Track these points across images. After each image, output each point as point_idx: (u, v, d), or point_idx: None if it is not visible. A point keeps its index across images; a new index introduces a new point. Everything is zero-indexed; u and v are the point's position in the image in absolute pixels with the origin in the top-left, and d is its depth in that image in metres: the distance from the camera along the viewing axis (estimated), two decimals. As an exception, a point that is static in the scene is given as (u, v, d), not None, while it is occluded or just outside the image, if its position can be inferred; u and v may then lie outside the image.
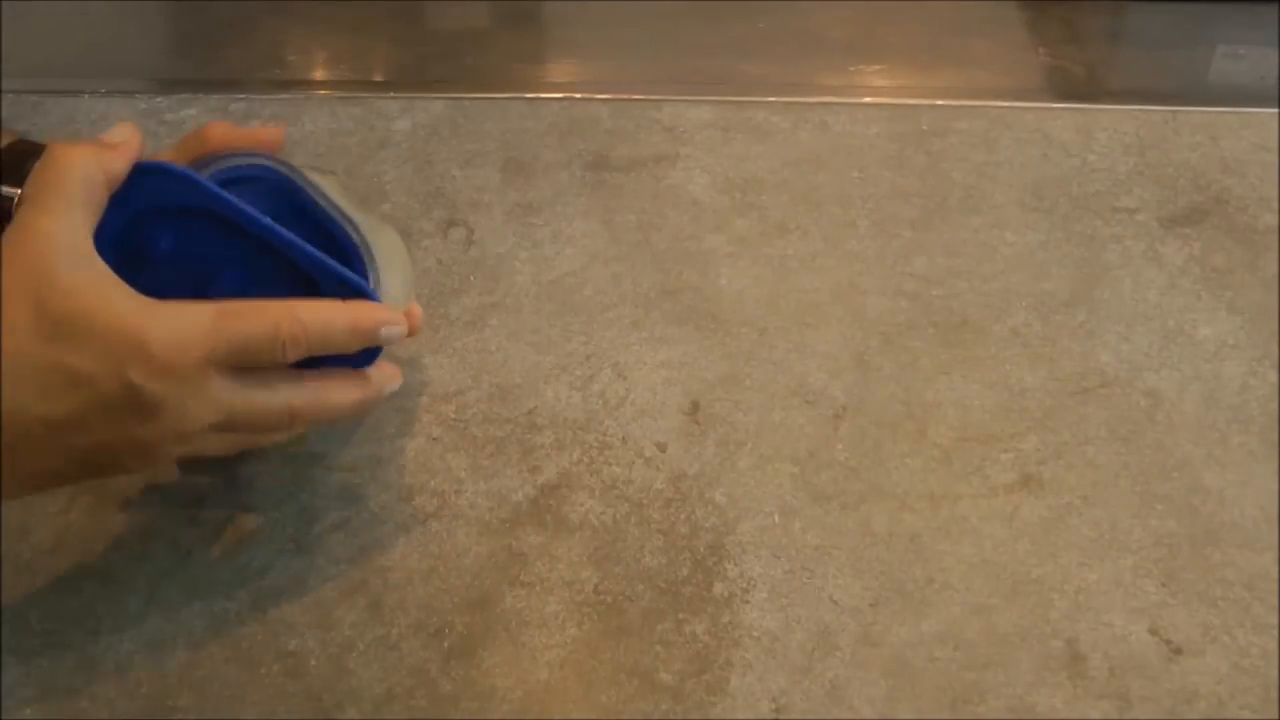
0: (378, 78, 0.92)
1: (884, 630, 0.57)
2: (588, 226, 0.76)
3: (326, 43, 0.95)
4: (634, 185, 0.79)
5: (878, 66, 0.92)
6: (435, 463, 0.64)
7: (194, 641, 0.56)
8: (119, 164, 0.54)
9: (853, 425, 0.65)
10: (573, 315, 0.71)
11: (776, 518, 0.61)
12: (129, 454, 0.52)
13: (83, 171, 0.52)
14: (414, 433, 0.65)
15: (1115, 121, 0.84)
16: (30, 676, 0.55)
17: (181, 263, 0.55)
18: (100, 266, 0.51)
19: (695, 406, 0.66)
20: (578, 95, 0.87)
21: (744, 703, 0.54)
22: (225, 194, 0.55)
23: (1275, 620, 0.57)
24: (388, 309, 0.57)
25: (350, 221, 0.59)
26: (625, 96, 0.86)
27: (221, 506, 0.61)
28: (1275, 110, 0.85)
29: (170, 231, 0.55)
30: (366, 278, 0.58)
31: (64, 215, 0.52)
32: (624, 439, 0.64)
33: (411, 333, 0.63)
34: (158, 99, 0.86)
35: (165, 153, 0.62)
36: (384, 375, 0.58)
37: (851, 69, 0.92)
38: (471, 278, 0.73)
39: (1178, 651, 0.56)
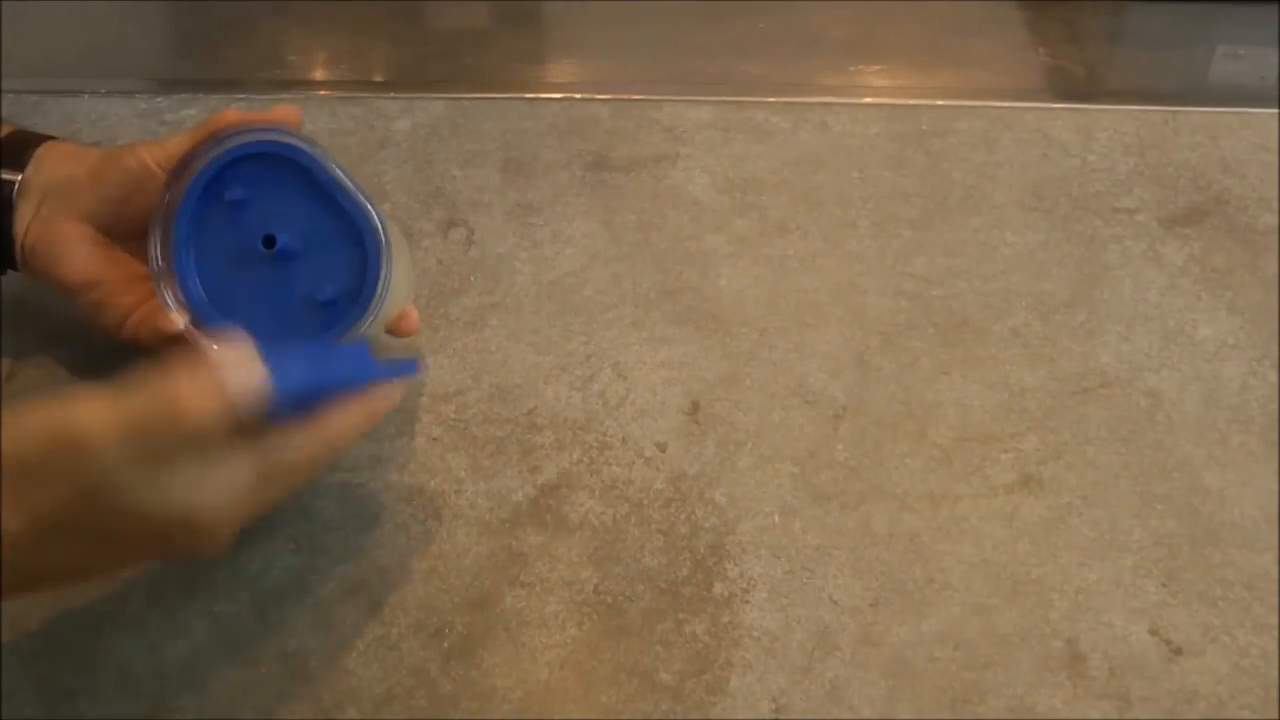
0: (378, 78, 0.92)
1: (884, 630, 0.57)
2: (588, 226, 0.76)
3: (326, 43, 0.95)
4: (634, 185, 0.79)
5: (878, 66, 0.92)
6: (435, 463, 0.64)
7: (194, 641, 0.56)
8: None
9: (853, 425, 0.65)
10: (573, 315, 0.71)
11: (776, 518, 0.61)
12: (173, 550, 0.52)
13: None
14: (414, 433, 0.65)
15: (1115, 121, 0.84)
16: (30, 676, 0.55)
17: (249, 210, 0.60)
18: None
19: (695, 406, 0.66)
20: (578, 95, 0.87)
21: (744, 703, 0.54)
22: (302, 145, 0.60)
23: (1275, 620, 0.57)
24: (392, 387, 0.56)
25: (368, 199, 0.60)
26: (625, 96, 0.86)
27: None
28: (1275, 110, 0.85)
29: (244, 180, 0.60)
30: (380, 256, 0.59)
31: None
32: (624, 439, 0.64)
33: (407, 334, 0.63)
34: (158, 99, 0.86)
35: (177, 138, 0.62)
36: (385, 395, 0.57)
37: (851, 69, 0.92)
38: (471, 278, 0.73)
39: (1178, 652, 0.56)
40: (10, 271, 0.65)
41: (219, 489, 0.50)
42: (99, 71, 0.90)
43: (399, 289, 0.62)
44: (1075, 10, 0.98)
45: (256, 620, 0.57)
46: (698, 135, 0.83)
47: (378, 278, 0.59)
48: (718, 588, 0.58)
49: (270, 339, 0.57)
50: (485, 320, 0.71)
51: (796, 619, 0.57)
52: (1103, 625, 0.57)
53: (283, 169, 0.60)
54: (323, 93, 0.88)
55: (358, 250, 0.60)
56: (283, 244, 0.60)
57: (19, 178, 0.63)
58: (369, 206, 0.60)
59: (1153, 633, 0.57)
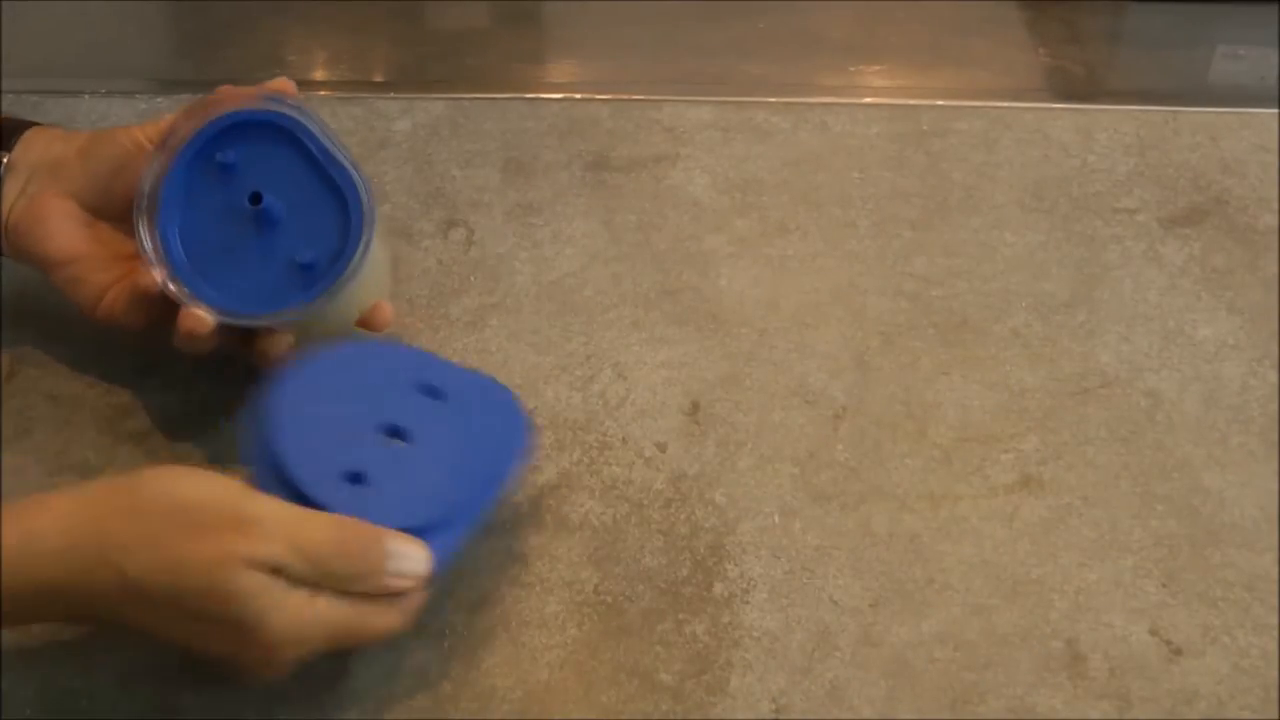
0: (378, 78, 0.92)
1: (884, 630, 0.57)
2: (588, 227, 0.76)
3: (326, 43, 0.95)
4: (634, 185, 0.79)
5: (878, 66, 0.92)
6: (435, 463, 0.63)
7: (194, 642, 0.56)
8: None
9: (853, 425, 0.65)
10: (573, 315, 0.71)
11: (776, 518, 0.61)
12: (230, 667, 0.52)
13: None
14: (414, 433, 0.65)
15: (1115, 122, 0.84)
16: (30, 676, 0.55)
17: (238, 173, 0.61)
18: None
19: (695, 407, 0.66)
20: (578, 95, 0.87)
21: (744, 703, 0.54)
22: (293, 114, 0.61)
23: (1275, 621, 0.57)
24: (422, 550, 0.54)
25: (356, 168, 0.61)
26: (625, 96, 0.86)
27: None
28: (1275, 110, 0.85)
29: (235, 145, 0.61)
30: (363, 220, 0.60)
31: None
32: (624, 439, 0.64)
33: (381, 328, 0.64)
34: (158, 99, 0.86)
35: (171, 117, 0.62)
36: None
37: (851, 69, 0.92)
38: (471, 278, 0.73)
39: (1178, 652, 0.56)
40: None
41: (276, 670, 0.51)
42: (99, 71, 0.90)
43: (377, 272, 0.63)
44: (1075, 10, 0.98)
45: (256, 620, 0.57)
46: (698, 135, 0.83)
47: (359, 240, 0.60)
48: (718, 588, 0.58)
49: (247, 298, 0.60)
50: (485, 320, 0.71)
51: (796, 619, 0.57)
52: (1103, 625, 0.57)
53: (274, 136, 0.61)
54: (323, 93, 0.88)
55: (341, 217, 0.61)
56: (267, 203, 0.61)
57: (6, 158, 0.63)
58: (355, 174, 0.61)
59: (1153, 633, 0.57)
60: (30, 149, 0.64)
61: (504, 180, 0.80)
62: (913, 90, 0.89)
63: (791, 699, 0.54)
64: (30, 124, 0.66)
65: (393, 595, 0.52)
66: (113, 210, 0.63)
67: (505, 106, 0.86)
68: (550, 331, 0.70)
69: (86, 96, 0.86)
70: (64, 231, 0.63)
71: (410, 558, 0.52)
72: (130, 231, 0.62)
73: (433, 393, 0.57)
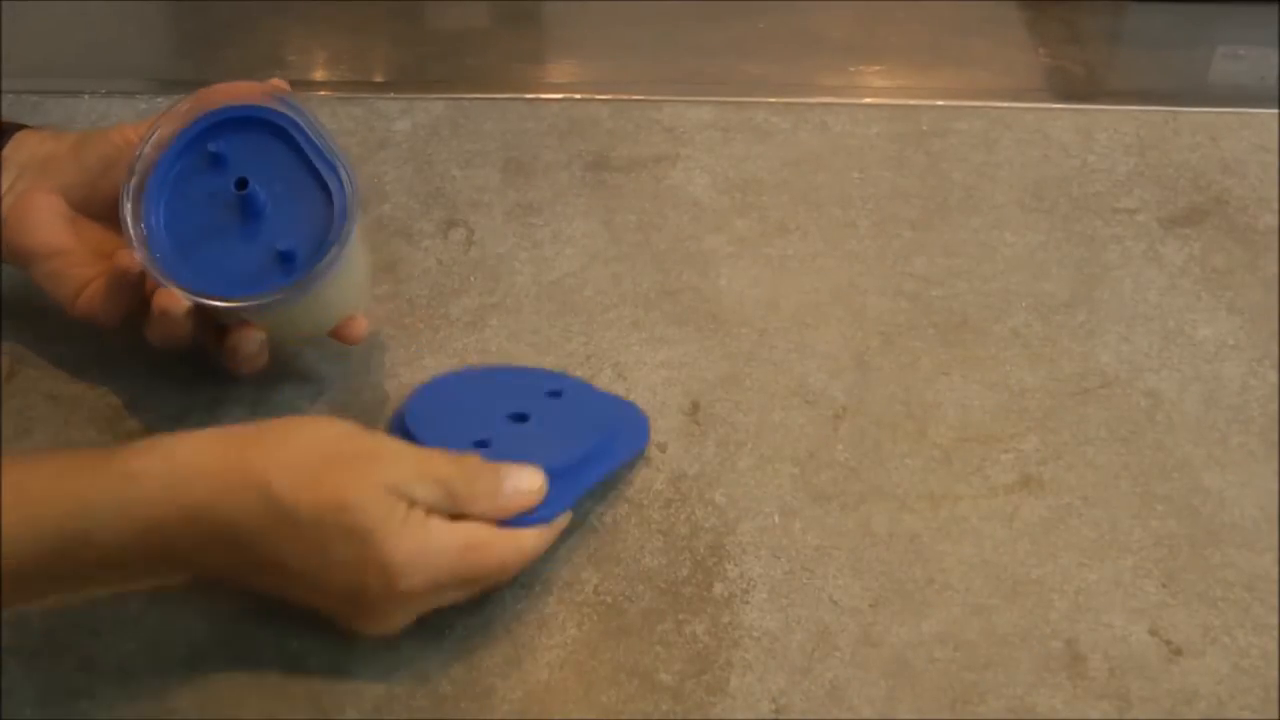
0: (378, 78, 0.92)
1: (884, 631, 0.57)
2: (588, 227, 0.76)
3: (326, 43, 0.95)
4: (634, 185, 0.79)
5: (878, 66, 0.92)
6: (435, 463, 0.63)
7: (194, 641, 0.56)
8: None
9: (853, 425, 0.65)
10: (573, 316, 0.71)
11: (776, 518, 0.61)
12: (343, 624, 0.55)
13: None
14: (414, 433, 0.65)
15: (1115, 122, 0.84)
16: (30, 676, 0.55)
17: (227, 163, 0.62)
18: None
19: (695, 407, 0.66)
20: (578, 95, 0.87)
21: (744, 703, 0.54)
22: (285, 111, 0.62)
23: (1275, 621, 0.57)
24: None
25: (345, 165, 0.62)
26: (625, 97, 0.86)
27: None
28: (1275, 110, 0.85)
29: (226, 138, 0.62)
30: (346, 211, 0.61)
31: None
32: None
33: (353, 341, 0.65)
34: (158, 99, 0.86)
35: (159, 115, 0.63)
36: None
37: (851, 69, 0.92)
38: (472, 278, 0.73)
39: (1178, 652, 0.56)
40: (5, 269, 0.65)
41: (393, 616, 0.54)
42: (99, 71, 0.90)
43: (355, 279, 0.64)
44: (1075, 10, 0.98)
45: (256, 620, 0.57)
46: (698, 135, 0.83)
47: (341, 231, 0.60)
48: (718, 588, 0.58)
49: (224, 283, 0.60)
50: (485, 320, 0.71)
51: (796, 619, 0.57)
52: (1103, 626, 0.57)
53: (267, 131, 0.62)
54: (323, 93, 0.88)
55: (326, 212, 0.61)
56: (252, 190, 0.61)
57: None
58: (343, 170, 0.62)
59: (1153, 633, 0.57)
60: (21, 148, 0.65)
61: (504, 180, 0.80)
62: (913, 90, 0.89)
63: (791, 699, 0.54)
64: (21, 126, 0.66)
65: (513, 528, 0.55)
66: (99, 208, 0.64)
67: (505, 106, 0.86)
68: (550, 331, 0.70)
69: (86, 96, 0.86)
70: (48, 225, 0.63)
71: (524, 476, 0.56)
72: (114, 229, 0.62)
73: (557, 395, 0.64)
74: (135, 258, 0.60)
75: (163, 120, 0.62)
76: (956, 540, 0.60)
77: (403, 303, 0.71)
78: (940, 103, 0.86)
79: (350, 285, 0.63)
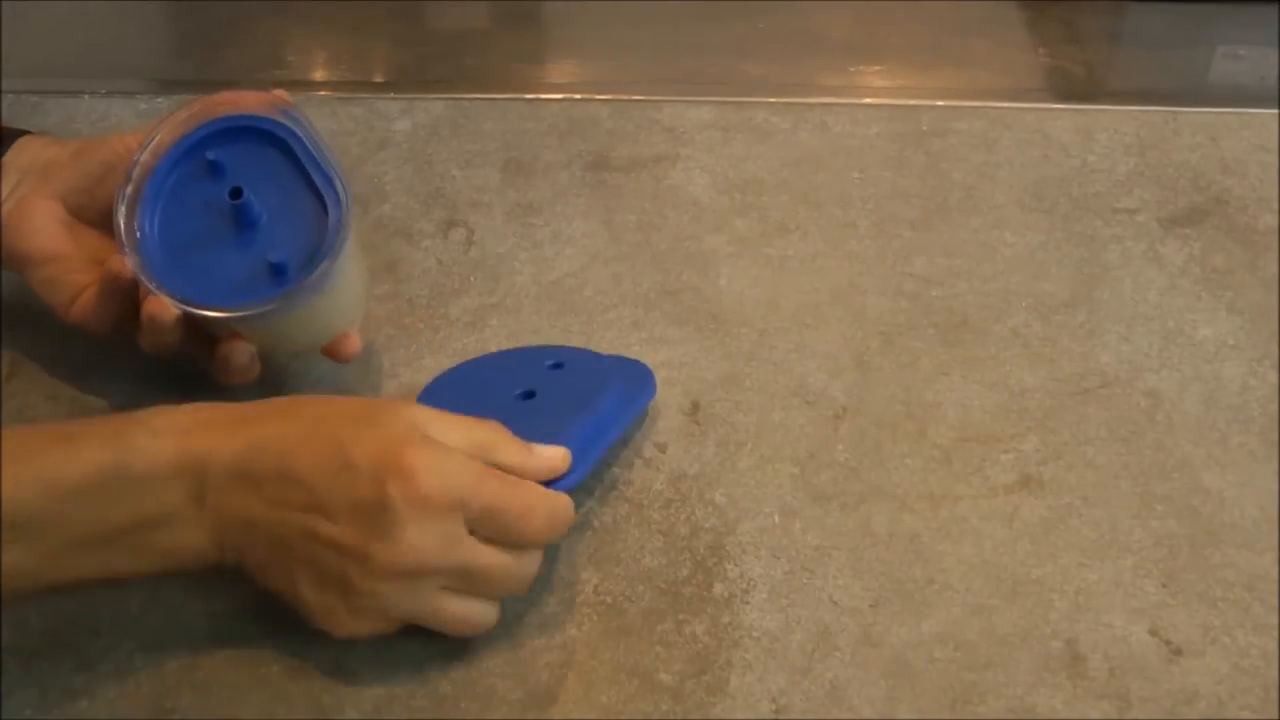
0: (378, 78, 0.92)
1: (884, 631, 0.57)
2: (588, 227, 0.76)
3: (326, 43, 0.95)
4: (634, 185, 0.79)
5: (878, 66, 0.92)
6: (435, 463, 0.63)
7: (194, 641, 0.56)
8: None
9: (853, 425, 0.65)
10: (573, 316, 0.71)
11: (776, 518, 0.61)
12: (352, 578, 0.52)
13: None
14: (414, 433, 0.65)
15: (1115, 122, 0.84)
16: (30, 676, 0.55)
17: (224, 172, 0.62)
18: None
19: (695, 407, 0.66)
20: (578, 96, 0.87)
21: (744, 703, 0.54)
22: (283, 121, 0.62)
23: (1275, 621, 0.57)
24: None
25: (341, 178, 0.62)
26: (625, 97, 0.86)
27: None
28: (1275, 110, 0.85)
29: (224, 148, 0.62)
30: (339, 224, 0.61)
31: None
32: (624, 439, 0.64)
33: (345, 359, 0.65)
34: (158, 99, 0.86)
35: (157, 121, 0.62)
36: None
37: (851, 69, 0.92)
38: (472, 278, 0.73)
39: (1178, 652, 0.56)
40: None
41: (422, 544, 0.52)
42: (99, 71, 0.90)
43: (349, 294, 0.64)
44: (1075, 10, 0.98)
45: (256, 620, 0.57)
46: (698, 135, 0.83)
47: (334, 244, 0.60)
48: (718, 588, 0.58)
49: (215, 292, 0.60)
50: (485, 321, 0.71)
51: (796, 619, 0.57)
52: (1103, 626, 0.57)
53: (266, 142, 0.62)
54: (323, 93, 0.88)
55: (320, 224, 0.61)
56: (246, 200, 0.61)
57: None
58: (339, 183, 0.61)
59: (1153, 633, 0.57)
60: (23, 153, 0.65)
61: (504, 180, 0.80)
62: (913, 90, 0.89)
63: (791, 699, 0.54)
64: (23, 132, 0.66)
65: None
66: (97, 215, 0.64)
67: (505, 107, 0.86)
68: (550, 332, 0.70)
69: (86, 96, 0.86)
70: (45, 231, 0.63)
71: (549, 448, 0.57)
72: (111, 236, 0.62)
73: (559, 366, 0.65)
74: (126, 263, 0.60)
75: (162, 127, 0.62)
76: (956, 540, 0.60)
77: (403, 303, 0.71)
78: (940, 103, 0.86)
79: (343, 300, 0.63)
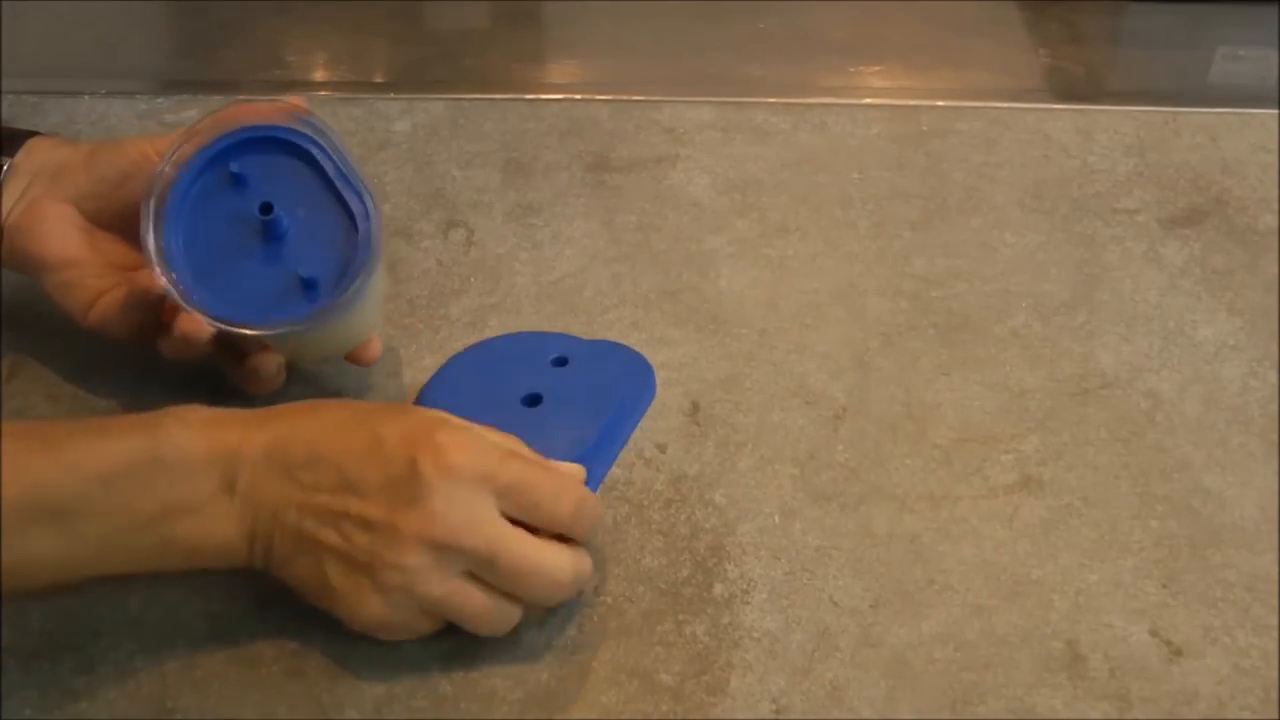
0: (378, 78, 0.92)
1: (884, 631, 0.57)
2: (588, 227, 0.77)
3: (326, 43, 0.95)
4: (634, 186, 0.79)
5: (878, 67, 0.92)
6: (435, 463, 0.63)
7: (194, 641, 0.56)
8: None
9: (853, 426, 0.65)
10: (573, 316, 0.71)
11: (777, 519, 0.61)
12: (379, 552, 0.51)
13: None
14: (414, 433, 0.65)
15: (1115, 122, 0.84)
16: (30, 676, 0.55)
17: (249, 184, 0.61)
18: None
19: (695, 407, 0.66)
20: (578, 96, 0.87)
21: (744, 703, 0.54)
22: (308, 133, 0.62)
23: (1275, 621, 0.57)
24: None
25: (369, 191, 0.61)
26: (625, 97, 0.86)
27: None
28: (1275, 111, 0.85)
29: (248, 159, 0.61)
30: (370, 240, 0.61)
31: None
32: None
33: (368, 363, 0.65)
34: (158, 100, 0.86)
35: (181, 131, 0.62)
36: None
37: (851, 69, 0.92)
38: (471, 279, 0.73)
39: (1178, 653, 0.56)
40: None
41: (450, 515, 0.52)
42: (99, 71, 0.90)
43: (374, 302, 0.63)
44: (1075, 10, 0.98)
45: (256, 620, 0.57)
46: (698, 136, 0.83)
47: (366, 260, 0.60)
48: (718, 589, 0.58)
49: (246, 308, 0.60)
50: (485, 321, 0.71)
51: (796, 620, 0.57)
52: (1103, 626, 0.57)
53: (288, 152, 0.62)
54: (323, 93, 0.88)
55: (348, 237, 0.61)
56: (276, 216, 0.60)
57: (7, 163, 0.63)
58: (368, 197, 0.61)
59: (1153, 634, 0.57)
60: (33, 155, 0.64)
61: (504, 181, 0.80)
62: (913, 90, 0.89)
63: (791, 699, 0.54)
64: (34, 133, 0.66)
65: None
66: (112, 220, 0.63)
67: (505, 107, 0.86)
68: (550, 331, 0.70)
69: (86, 97, 0.86)
70: (61, 235, 0.63)
71: (568, 465, 0.58)
72: (127, 242, 0.62)
73: (561, 362, 0.66)
74: (157, 281, 0.60)
75: (183, 138, 0.61)
76: (956, 541, 0.60)
77: (403, 303, 0.71)
78: (940, 103, 0.86)
79: (369, 309, 0.63)
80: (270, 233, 0.61)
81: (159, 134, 0.64)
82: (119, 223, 0.63)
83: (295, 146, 0.62)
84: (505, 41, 0.96)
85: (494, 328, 0.70)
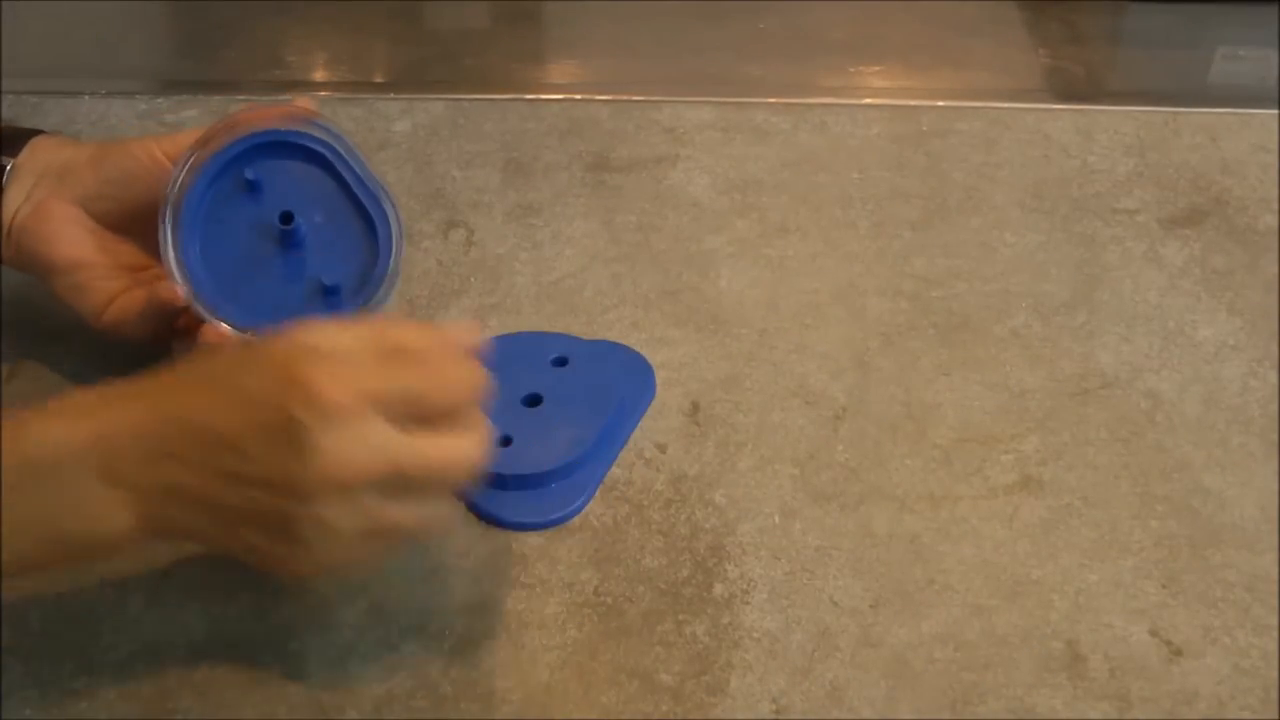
0: (378, 78, 0.92)
1: (884, 631, 0.57)
2: (588, 227, 0.77)
3: (326, 43, 0.95)
4: (634, 186, 0.79)
5: (878, 67, 0.92)
6: (435, 463, 0.63)
7: (194, 641, 0.56)
8: None
9: (853, 426, 0.65)
10: (573, 316, 0.71)
11: (777, 519, 0.61)
12: (288, 510, 0.49)
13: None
14: (414, 433, 0.65)
15: (1115, 122, 0.84)
16: (30, 676, 0.55)
17: (265, 191, 0.61)
18: None
19: (695, 407, 0.66)
20: (578, 96, 0.87)
21: (744, 704, 0.54)
22: (323, 137, 0.61)
23: (1275, 621, 0.57)
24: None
25: (387, 194, 0.61)
26: (625, 97, 0.86)
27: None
28: (1275, 111, 0.85)
29: (263, 164, 0.61)
30: (391, 247, 0.61)
31: None
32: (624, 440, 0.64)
33: None
34: (158, 100, 0.86)
35: (189, 132, 0.62)
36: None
37: (851, 69, 0.92)
38: (472, 279, 0.73)
39: (1178, 653, 0.56)
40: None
41: (343, 453, 0.48)
42: (99, 71, 0.90)
43: (389, 304, 0.63)
44: (1075, 10, 0.98)
45: (256, 620, 0.57)
46: (698, 136, 0.83)
47: (388, 266, 0.60)
48: (718, 589, 0.58)
49: (267, 317, 0.59)
50: (485, 321, 0.71)
51: (796, 620, 0.57)
52: (1103, 626, 0.57)
53: (302, 157, 0.61)
54: (323, 93, 0.88)
55: (367, 243, 0.61)
56: (297, 224, 0.60)
57: (11, 162, 0.63)
58: (387, 201, 0.61)
59: (1153, 634, 0.57)
60: (37, 154, 0.64)
61: (504, 181, 0.80)
62: (913, 90, 0.89)
63: (791, 699, 0.54)
64: (37, 131, 0.66)
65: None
66: (120, 221, 0.63)
67: (505, 107, 0.86)
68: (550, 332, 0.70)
69: (86, 97, 0.86)
70: (70, 237, 0.62)
71: (451, 323, 0.54)
72: (135, 242, 0.62)
73: (561, 362, 0.66)
74: (179, 292, 0.59)
75: (195, 146, 0.61)
76: (956, 541, 0.60)
77: (403, 303, 0.71)
78: (940, 103, 0.86)
79: (385, 310, 0.63)
80: (289, 239, 0.60)
81: (164, 135, 0.64)
82: (126, 223, 0.63)
83: (309, 151, 0.61)
84: (505, 41, 0.96)
85: (494, 328, 0.70)
